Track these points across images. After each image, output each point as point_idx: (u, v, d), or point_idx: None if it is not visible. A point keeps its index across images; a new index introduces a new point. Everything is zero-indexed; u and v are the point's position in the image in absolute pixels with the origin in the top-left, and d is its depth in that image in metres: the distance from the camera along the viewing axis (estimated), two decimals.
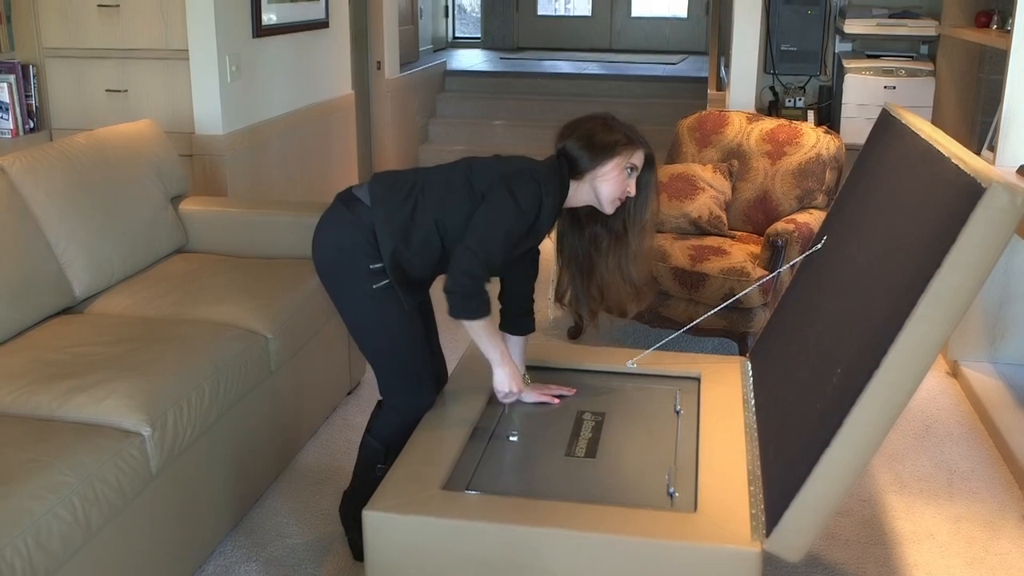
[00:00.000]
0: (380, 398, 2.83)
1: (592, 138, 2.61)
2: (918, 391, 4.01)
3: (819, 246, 2.91)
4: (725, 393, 2.82)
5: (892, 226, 2.32)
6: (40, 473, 2.21)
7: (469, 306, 2.50)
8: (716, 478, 2.33)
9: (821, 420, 2.11)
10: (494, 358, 2.65)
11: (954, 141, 2.31)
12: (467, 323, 2.54)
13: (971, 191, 1.93)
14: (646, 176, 2.67)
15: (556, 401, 2.80)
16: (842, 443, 2.00)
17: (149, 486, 2.53)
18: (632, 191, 2.64)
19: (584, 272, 2.77)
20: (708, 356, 3.20)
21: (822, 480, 2.03)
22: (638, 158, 2.63)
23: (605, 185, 2.60)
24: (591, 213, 2.70)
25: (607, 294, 2.79)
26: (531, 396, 2.78)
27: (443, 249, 2.57)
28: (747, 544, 2.09)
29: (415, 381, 2.73)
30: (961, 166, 2.04)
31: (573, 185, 2.63)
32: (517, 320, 2.89)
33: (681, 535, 2.12)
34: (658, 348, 3.08)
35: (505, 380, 2.68)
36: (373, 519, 2.25)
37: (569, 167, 2.61)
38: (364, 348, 2.75)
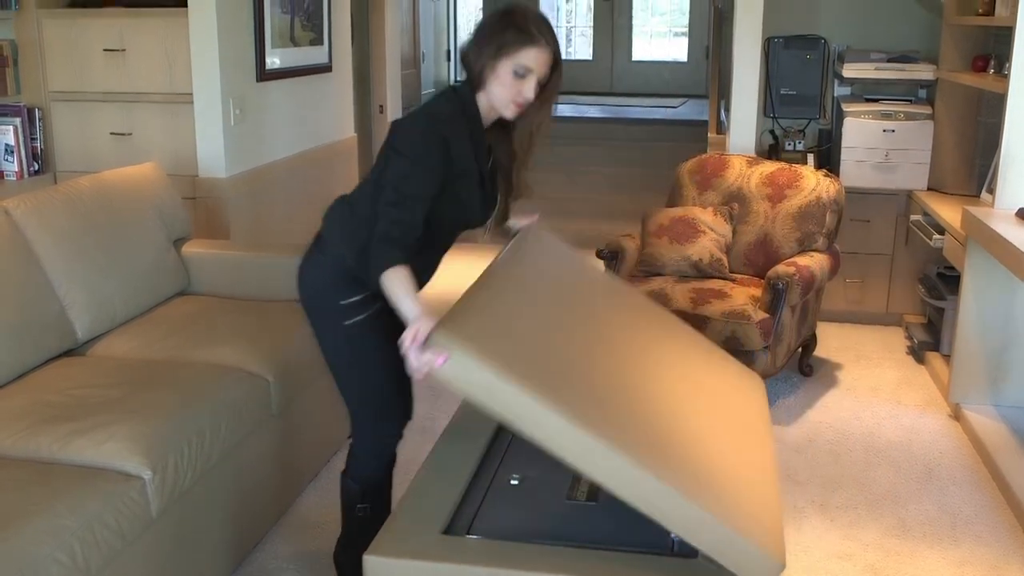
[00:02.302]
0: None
1: (486, 37, 2.41)
2: (920, 433, 4.01)
3: None
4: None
5: None
6: (40, 516, 2.20)
7: (392, 252, 2.28)
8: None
9: None
10: (412, 304, 2.24)
11: None
12: (386, 274, 2.27)
13: None
14: (553, 80, 2.46)
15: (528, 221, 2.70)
16: None
17: (149, 529, 2.52)
18: (529, 95, 2.42)
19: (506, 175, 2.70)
20: None
21: None
22: (530, 57, 2.38)
23: (495, 88, 2.41)
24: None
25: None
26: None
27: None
28: None
29: (382, 417, 2.70)
30: None
31: (481, 97, 2.45)
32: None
33: None
34: None
35: (424, 334, 2.12)
36: (374, 564, 2.24)
37: (472, 78, 2.44)
38: (338, 384, 2.70)
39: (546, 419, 2.07)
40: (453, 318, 2.20)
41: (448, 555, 2.23)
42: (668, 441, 2.23)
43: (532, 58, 2.39)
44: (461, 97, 2.46)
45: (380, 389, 2.65)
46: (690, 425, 2.38)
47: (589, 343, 2.47)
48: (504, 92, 2.42)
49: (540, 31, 2.40)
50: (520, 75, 2.40)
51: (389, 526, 2.33)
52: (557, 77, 2.47)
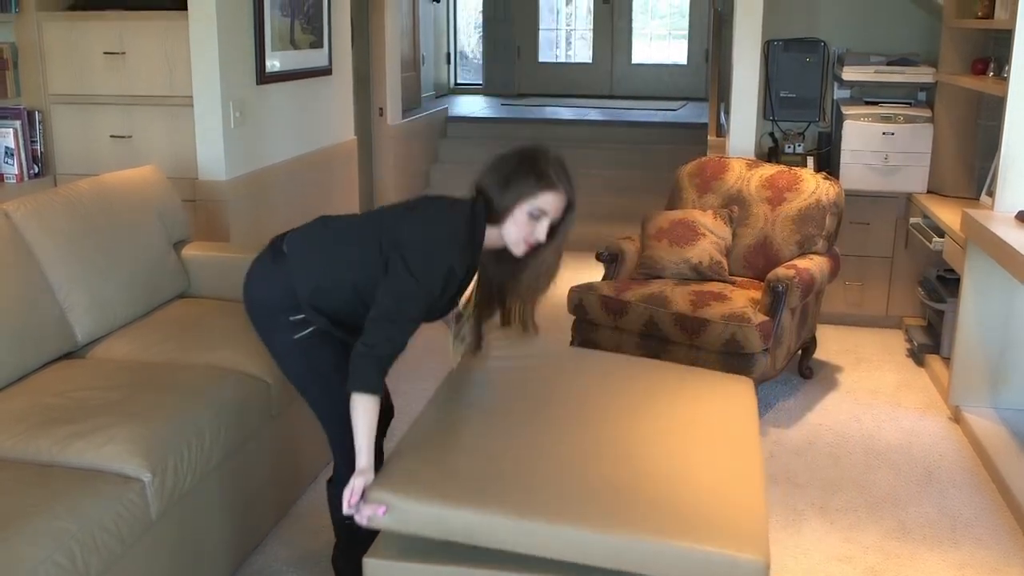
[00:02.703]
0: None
1: (507, 177, 2.47)
2: (920, 436, 4.01)
3: None
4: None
5: None
6: (39, 519, 2.20)
7: (374, 377, 2.35)
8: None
9: None
10: (364, 451, 2.33)
11: None
12: (360, 397, 2.34)
13: None
14: (565, 222, 2.54)
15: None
16: None
17: (149, 532, 2.51)
18: (541, 237, 2.48)
19: (494, 296, 2.73)
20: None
21: None
22: (546, 201, 2.45)
23: (510, 227, 2.47)
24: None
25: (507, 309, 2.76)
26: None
27: (362, 302, 2.49)
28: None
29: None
30: None
31: (490, 228, 2.49)
32: None
33: None
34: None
35: (359, 490, 2.26)
36: (374, 567, 2.25)
37: (487, 206, 2.48)
38: (304, 397, 2.69)
39: (494, 525, 2.19)
40: (386, 470, 2.34)
41: (449, 557, 2.24)
42: (631, 494, 2.31)
43: (549, 202, 2.46)
44: (477, 224, 2.48)
45: (345, 398, 2.46)
46: (663, 466, 2.46)
47: (539, 435, 2.57)
48: (518, 231, 2.47)
49: (559, 178, 2.47)
50: (535, 217, 2.46)
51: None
52: (570, 219, 2.54)
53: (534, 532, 2.18)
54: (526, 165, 2.48)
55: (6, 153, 4.43)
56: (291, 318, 2.56)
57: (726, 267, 4.50)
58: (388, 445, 3.08)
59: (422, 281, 2.40)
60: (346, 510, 2.25)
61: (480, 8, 11.23)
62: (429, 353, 5.12)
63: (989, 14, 4.47)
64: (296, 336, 2.57)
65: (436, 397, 2.80)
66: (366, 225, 2.58)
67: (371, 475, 2.30)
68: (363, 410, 2.34)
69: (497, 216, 2.47)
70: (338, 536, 2.84)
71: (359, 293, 2.50)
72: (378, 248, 2.47)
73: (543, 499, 2.26)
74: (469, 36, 11.91)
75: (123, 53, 4.44)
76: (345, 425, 2.41)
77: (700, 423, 2.75)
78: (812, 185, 4.57)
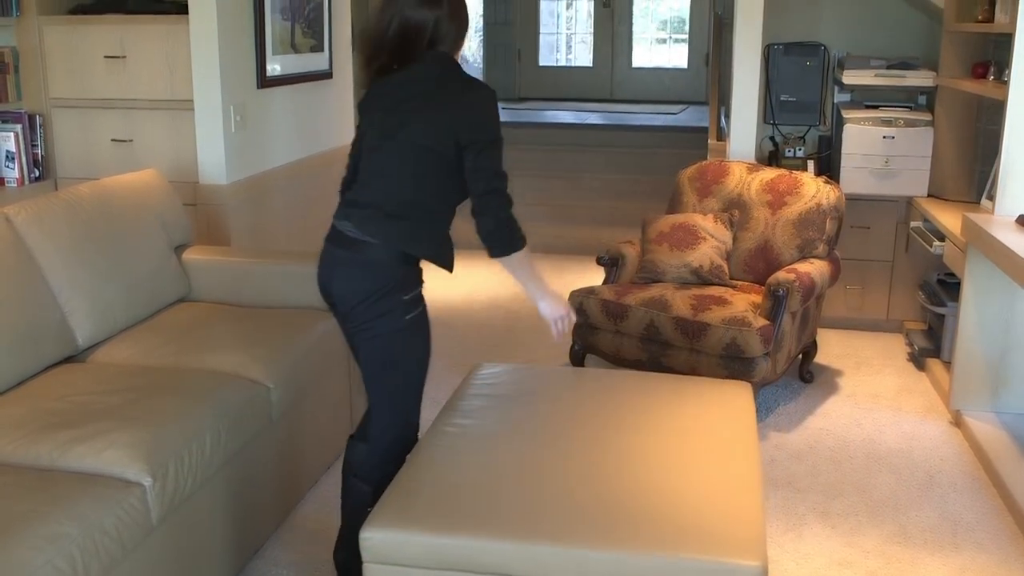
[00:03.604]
0: (351, 434, 2.89)
1: (459, 30, 2.64)
2: (921, 440, 4.00)
3: None
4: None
5: None
6: (39, 523, 2.20)
7: (514, 238, 2.57)
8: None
9: None
10: (538, 288, 2.69)
11: None
12: (516, 255, 2.58)
13: None
14: None
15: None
16: None
17: (149, 537, 2.51)
18: None
19: None
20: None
21: None
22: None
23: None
24: None
25: None
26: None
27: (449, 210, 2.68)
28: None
29: (416, 409, 2.78)
30: None
31: None
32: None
33: None
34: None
35: (553, 307, 2.72)
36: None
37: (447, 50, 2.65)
38: (379, 380, 2.70)
39: (493, 551, 2.22)
40: (384, 503, 2.38)
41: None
42: (628, 510, 2.33)
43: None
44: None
45: (422, 382, 2.73)
46: (660, 479, 2.49)
47: (536, 457, 2.60)
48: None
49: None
50: None
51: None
52: None
53: (533, 555, 2.21)
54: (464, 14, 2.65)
55: (7, 157, 4.43)
56: (404, 297, 2.61)
57: (727, 271, 4.50)
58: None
59: (497, 129, 2.56)
60: (557, 324, 2.74)
61: (481, 12, 11.24)
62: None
63: (989, 18, 4.47)
64: (407, 316, 2.62)
65: (434, 425, 2.83)
66: (406, 159, 2.59)
67: (559, 298, 2.76)
68: (521, 263, 2.62)
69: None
70: (345, 526, 2.84)
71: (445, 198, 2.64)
72: (425, 149, 2.56)
73: (541, 521, 2.28)
74: (470, 40, 11.91)
75: (124, 57, 4.45)
76: (408, 409, 2.72)
77: (698, 432, 2.76)
78: (812, 189, 4.57)
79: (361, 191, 2.69)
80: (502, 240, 2.56)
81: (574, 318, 2.80)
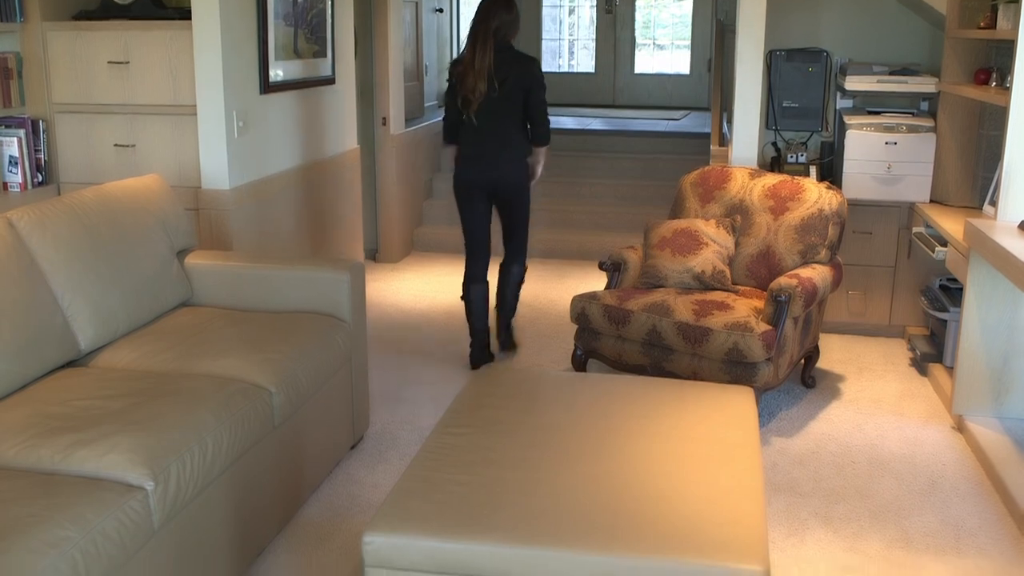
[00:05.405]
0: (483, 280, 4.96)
1: (517, 15, 4.78)
2: (924, 445, 4.00)
3: None
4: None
5: None
6: (41, 527, 2.20)
7: (549, 138, 4.89)
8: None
9: None
10: (542, 166, 4.99)
11: None
12: (545, 148, 4.90)
13: None
14: None
15: None
16: None
17: (151, 541, 2.51)
18: None
19: None
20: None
21: None
22: None
23: None
24: None
25: None
26: None
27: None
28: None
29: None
30: None
31: None
32: None
33: None
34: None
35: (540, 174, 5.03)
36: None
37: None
38: (526, 220, 4.94)
39: (493, 555, 2.23)
40: (383, 509, 2.38)
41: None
42: (629, 514, 2.34)
43: None
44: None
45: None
46: (662, 483, 2.49)
47: (537, 462, 2.61)
48: None
49: None
50: None
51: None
52: None
53: (535, 559, 2.21)
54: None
55: (10, 162, 4.44)
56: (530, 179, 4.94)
57: (729, 276, 4.50)
58: (387, 480, 3.08)
59: (543, 82, 4.80)
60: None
61: None
62: (432, 361, 5.13)
63: (991, 24, 4.47)
64: (530, 185, 4.93)
65: (437, 429, 2.83)
66: (507, 111, 4.75)
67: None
68: (546, 152, 4.96)
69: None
70: (509, 309, 5.08)
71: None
72: (510, 98, 4.73)
73: (542, 526, 2.28)
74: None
75: (127, 62, 4.46)
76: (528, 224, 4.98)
77: (700, 437, 2.76)
78: (815, 194, 4.57)
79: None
80: (546, 138, 4.85)
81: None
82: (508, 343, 5.12)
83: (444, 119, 4.97)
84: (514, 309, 5.09)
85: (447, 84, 4.83)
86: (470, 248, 4.90)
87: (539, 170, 4.91)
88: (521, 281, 4.99)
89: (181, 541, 2.67)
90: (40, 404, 2.84)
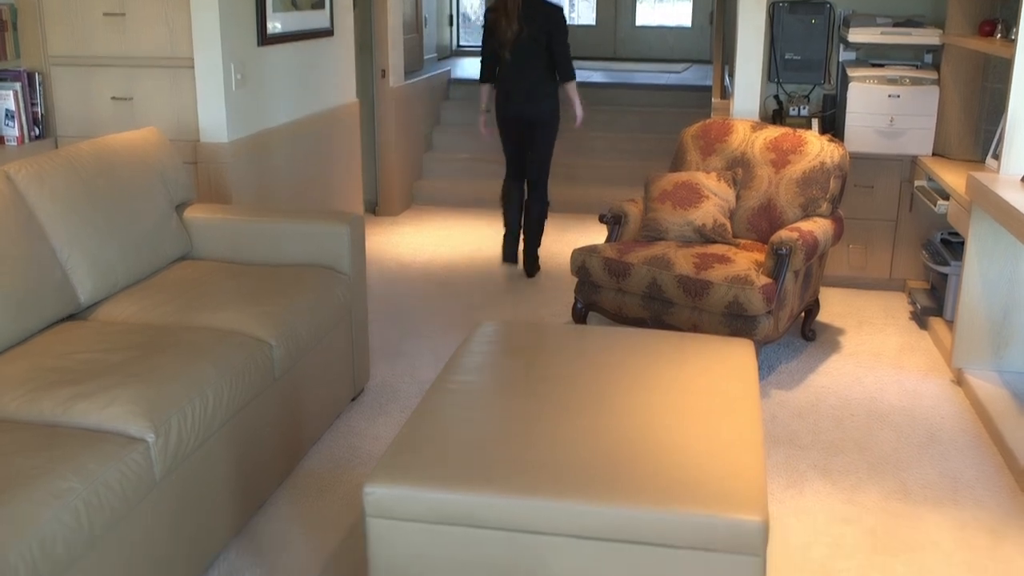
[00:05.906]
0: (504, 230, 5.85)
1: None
2: (923, 398, 4.01)
3: None
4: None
5: None
6: (44, 479, 2.21)
7: (574, 74, 5.51)
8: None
9: None
10: (579, 102, 5.62)
11: None
12: (572, 83, 5.53)
13: None
14: None
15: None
16: None
17: (153, 492, 2.53)
18: None
19: None
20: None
21: None
22: None
23: None
24: None
25: None
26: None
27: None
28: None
29: None
30: None
31: None
32: None
33: None
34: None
35: (583, 114, 5.71)
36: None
37: None
38: (550, 153, 5.64)
39: (493, 506, 2.23)
40: (384, 461, 2.38)
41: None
42: (629, 465, 2.34)
43: None
44: None
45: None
46: (662, 435, 2.50)
47: (538, 414, 2.61)
48: None
49: None
50: None
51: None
52: None
53: (534, 510, 2.21)
54: None
55: (7, 115, 4.41)
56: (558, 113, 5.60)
57: (729, 229, 4.49)
58: (387, 432, 3.09)
59: (565, 28, 5.45)
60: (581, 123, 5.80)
61: None
62: (431, 315, 5.13)
63: None
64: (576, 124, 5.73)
65: (437, 382, 2.82)
66: (535, 54, 5.45)
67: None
68: (574, 87, 5.57)
69: None
70: (534, 237, 5.70)
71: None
72: (537, 39, 5.42)
73: (542, 477, 2.29)
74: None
75: (123, 14, 4.41)
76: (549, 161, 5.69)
77: (700, 389, 2.77)
78: (816, 148, 4.55)
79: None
80: (571, 75, 5.49)
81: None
82: (533, 270, 5.74)
83: (481, 60, 5.66)
84: (538, 242, 5.74)
85: (482, 29, 5.61)
86: (509, 163, 5.78)
87: (577, 108, 5.60)
88: (544, 218, 5.70)
89: (183, 493, 2.69)
90: (40, 357, 2.84)
